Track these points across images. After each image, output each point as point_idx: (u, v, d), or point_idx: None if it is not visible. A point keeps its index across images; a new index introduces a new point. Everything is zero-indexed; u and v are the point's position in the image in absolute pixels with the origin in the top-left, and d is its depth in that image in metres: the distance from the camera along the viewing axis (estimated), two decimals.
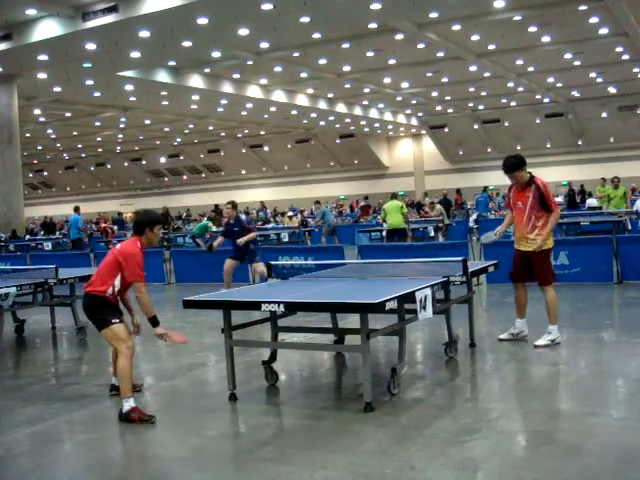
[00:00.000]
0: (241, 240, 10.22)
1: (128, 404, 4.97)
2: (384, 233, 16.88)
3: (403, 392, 5.28)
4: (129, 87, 26.45)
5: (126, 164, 53.35)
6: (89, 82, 24.90)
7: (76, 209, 20.43)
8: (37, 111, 31.66)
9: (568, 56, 26.01)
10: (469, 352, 6.56)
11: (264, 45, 21.39)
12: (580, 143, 40.81)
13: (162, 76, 25.20)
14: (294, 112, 34.84)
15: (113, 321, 5.14)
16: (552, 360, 6.29)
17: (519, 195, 6.73)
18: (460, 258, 6.21)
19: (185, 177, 54.67)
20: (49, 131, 38.16)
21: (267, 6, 16.60)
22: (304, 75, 27.61)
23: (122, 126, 38.07)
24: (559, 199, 29.69)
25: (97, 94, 27.51)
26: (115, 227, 28.57)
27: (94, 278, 5.31)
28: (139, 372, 6.75)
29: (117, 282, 5.25)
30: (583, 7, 19.59)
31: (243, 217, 10.77)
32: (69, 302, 8.73)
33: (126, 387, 5.01)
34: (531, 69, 28.21)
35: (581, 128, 39.65)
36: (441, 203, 23.83)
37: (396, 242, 15.39)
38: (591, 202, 22.87)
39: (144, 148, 49.70)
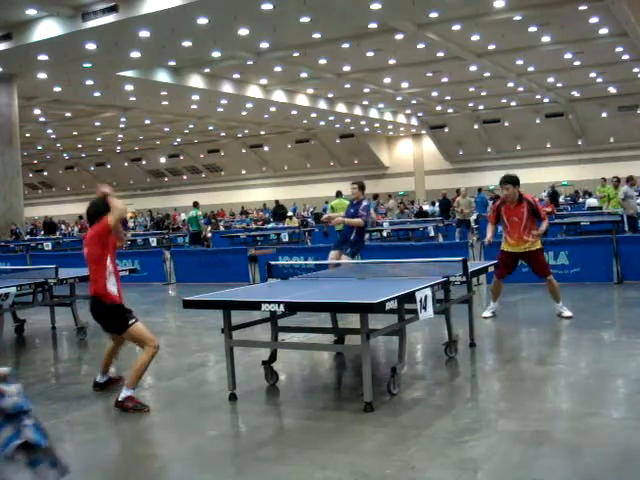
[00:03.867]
0: (338, 219, 9.62)
1: (128, 392, 5.15)
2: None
3: (403, 392, 5.28)
4: (129, 87, 26.45)
5: (126, 164, 53.35)
6: (89, 82, 24.90)
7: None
8: (37, 111, 31.66)
9: (568, 56, 26.01)
10: (469, 352, 6.55)
11: (264, 45, 21.39)
12: (580, 143, 40.82)
13: (162, 76, 25.20)
14: (294, 112, 34.84)
15: (130, 322, 5.26)
16: (552, 360, 6.30)
17: (512, 212, 7.83)
18: (460, 258, 6.21)
19: (185, 177, 54.68)
20: (49, 131, 38.15)
21: (267, 6, 16.60)
22: (304, 75, 27.61)
23: (122, 126, 38.08)
24: (543, 194, 30.11)
25: (97, 94, 27.51)
26: None
27: (91, 277, 5.39)
28: None
29: (109, 264, 5.30)
30: (583, 7, 19.60)
31: (365, 203, 9.66)
32: (69, 302, 8.72)
33: (136, 379, 5.20)
34: (531, 69, 28.22)
35: (581, 128, 39.66)
36: (440, 203, 23.80)
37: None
38: (591, 202, 22.87)
39: (144, 148, 49.71)
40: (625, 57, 26.41)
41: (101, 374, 5.83)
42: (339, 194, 16.55)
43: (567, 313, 7.88)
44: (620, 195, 15.77)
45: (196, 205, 20.20)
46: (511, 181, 7.80)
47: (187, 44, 19.90)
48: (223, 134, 44.67)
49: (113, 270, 5.34)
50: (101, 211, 5.31)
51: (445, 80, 29.81)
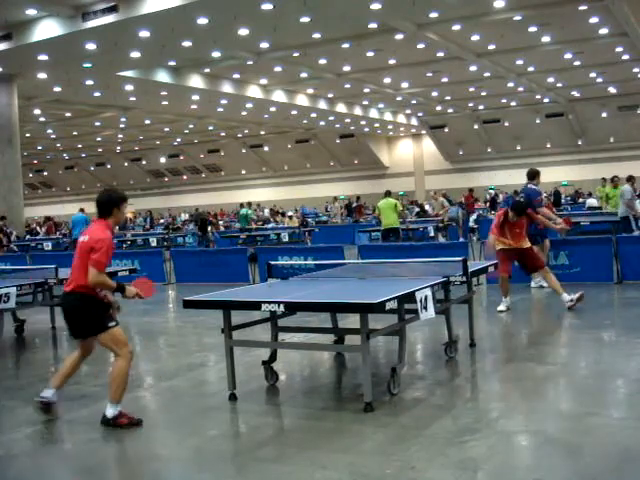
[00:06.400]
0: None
1: (116, 409, 4.83)
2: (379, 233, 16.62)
3: (403, 392, 5.28)
4: (129, 87, 26.44)
5: (126, 164, 53.33)
6: (89, 82, 24.89)
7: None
8: (37, 111, 31.64)
9: (568, 56, 26.00)
10: (469, 352, 6.55)
11: (264, 45, 21.38)
12: (580, 143, 40.79)
13: (162, 76, 25.19)
14: (294, 112, 34.82)
15: (110, 324, 4.90)
16: (552, 360, 6.29)
17: (515, 225, 8.58)
18: (460, 258, 6.21)
19: (185, 177, 54.66)
20: (49, 131, 38.13)
21: (267, 6, 16.59)
22: (304, 75, 27.60)
23: (122, 126, 38.05)
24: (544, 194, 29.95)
25: (97, 94, 27.50)
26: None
27: (73, 275, 4.91)
28: (139, 372, 6.75)
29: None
30: (583, 7, 19.59)
31: (532, 186, 9.71)
32: None
33: (121, 392, 4.85)
34: (531, 69, 28.20)
35: (581, 128, 39.64)
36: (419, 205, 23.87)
37: (392, 242, 14.97)
38: (591, 202, 22.87)
39: (144, 148, 49.69)
40: (625, 57, 26.38)
41: (55, 389, 5.10)
42: (388, 193, 16.52)
43: (567, 297, 8.37)
44: (627, 195, 15.21)
45: (249, 205, 22.45)
46: (519, 214, 8.63)
47: (187, 44, 19.89)
48: (223, 134, 44.65)
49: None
50: (110, 204, 5.06)
51: (445, 80, 29.80)
